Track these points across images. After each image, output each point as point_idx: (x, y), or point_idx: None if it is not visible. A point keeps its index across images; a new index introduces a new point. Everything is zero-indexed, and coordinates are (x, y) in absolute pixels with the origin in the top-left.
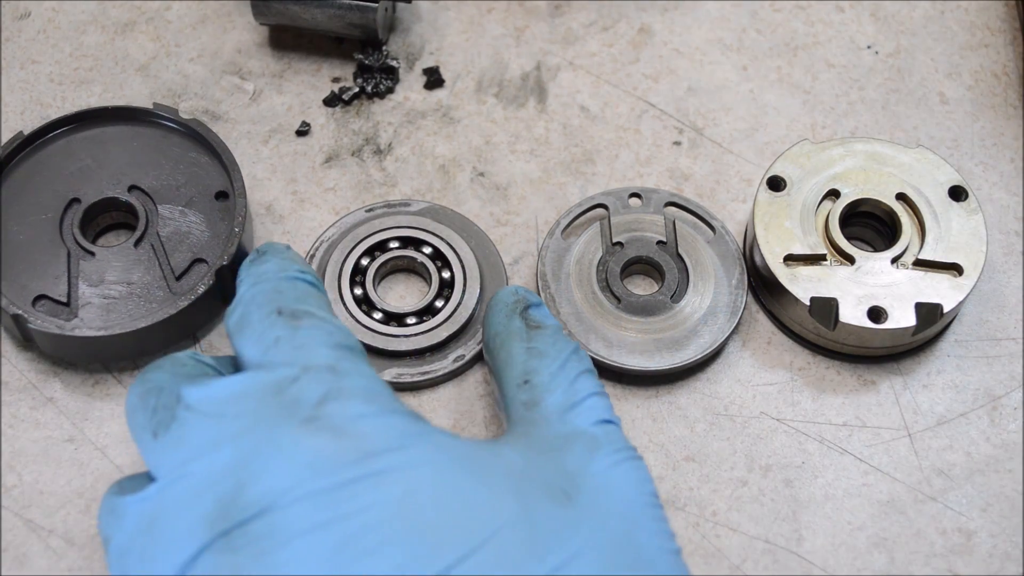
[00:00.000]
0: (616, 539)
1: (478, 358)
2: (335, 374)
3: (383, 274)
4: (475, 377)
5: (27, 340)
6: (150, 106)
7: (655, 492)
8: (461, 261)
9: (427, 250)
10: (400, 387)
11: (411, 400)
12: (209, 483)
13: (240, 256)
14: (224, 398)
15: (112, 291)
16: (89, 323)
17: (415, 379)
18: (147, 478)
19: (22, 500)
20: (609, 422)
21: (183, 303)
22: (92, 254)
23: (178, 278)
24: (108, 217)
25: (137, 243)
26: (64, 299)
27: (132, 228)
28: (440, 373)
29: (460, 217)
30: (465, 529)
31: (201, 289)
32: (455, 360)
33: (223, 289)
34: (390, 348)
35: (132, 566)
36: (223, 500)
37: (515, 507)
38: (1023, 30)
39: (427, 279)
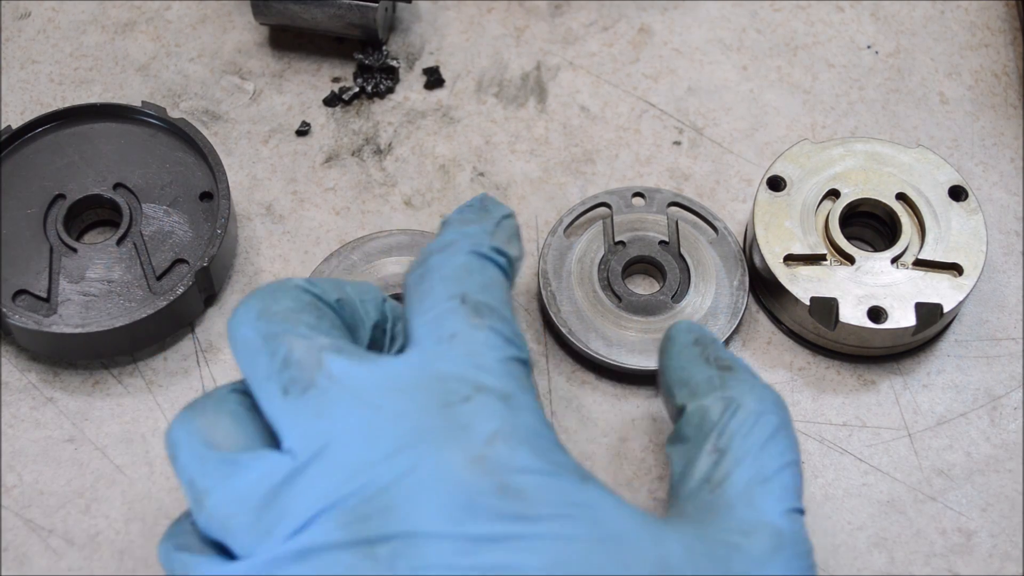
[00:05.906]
0: None
1: None
2: (508, 405)
3: None
4: None
5: (7, 334)
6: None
7: None
8: None
9: None
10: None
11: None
12: (350, 477)
13: (221, 258)
14: (380, 386)
15: (92, 288)
16: (67, 320)
17: None
18: (235, 426)
19: (22, 500)
20: (799, 511)
21: (162, 303)
22: (74, 251)
23: (159, 278)
24: (92, 214)
25: (120, 241)
26: (44, 295)
27: (116, 226)
28: None
29: None
30: None
31: (180, 290)
32: None
33: (203, 290)
34: None
35: (238, 528)
36: (364, 505)
37: None
38: (1023, 30)
39: None
